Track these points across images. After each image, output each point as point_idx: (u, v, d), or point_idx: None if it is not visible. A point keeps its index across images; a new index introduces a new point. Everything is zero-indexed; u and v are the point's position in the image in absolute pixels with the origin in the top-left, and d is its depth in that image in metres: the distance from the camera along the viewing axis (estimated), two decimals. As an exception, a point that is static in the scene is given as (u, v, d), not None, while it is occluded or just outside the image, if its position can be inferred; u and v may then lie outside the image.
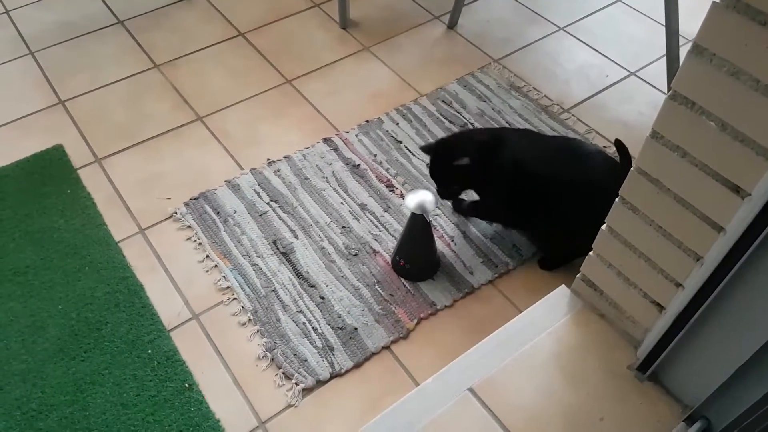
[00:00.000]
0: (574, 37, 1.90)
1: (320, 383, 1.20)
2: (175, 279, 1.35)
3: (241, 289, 1.32)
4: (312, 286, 1.33)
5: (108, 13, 1.98)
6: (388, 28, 1.93)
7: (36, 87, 1.75)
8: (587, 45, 1.87)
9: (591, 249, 1.06)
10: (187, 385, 1.18)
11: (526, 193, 1.24)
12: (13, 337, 1.24)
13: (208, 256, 1.38)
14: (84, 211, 1.45)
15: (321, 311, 1.29)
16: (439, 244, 1.38)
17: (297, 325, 1.27)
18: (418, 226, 1.26)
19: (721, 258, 0.82)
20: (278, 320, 1.27)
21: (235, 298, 1.31)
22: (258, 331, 1.26)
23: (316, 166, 1.55)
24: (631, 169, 0.91)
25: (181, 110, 1.70)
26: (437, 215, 1.45)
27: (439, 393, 1.05)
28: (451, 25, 1.93)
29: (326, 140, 1.61)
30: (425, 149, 1.31)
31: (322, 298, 1.31)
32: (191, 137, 1.63)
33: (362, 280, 1.33)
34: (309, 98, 1.73)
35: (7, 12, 1.98)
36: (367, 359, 1.23)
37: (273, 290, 1.32)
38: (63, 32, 1.91)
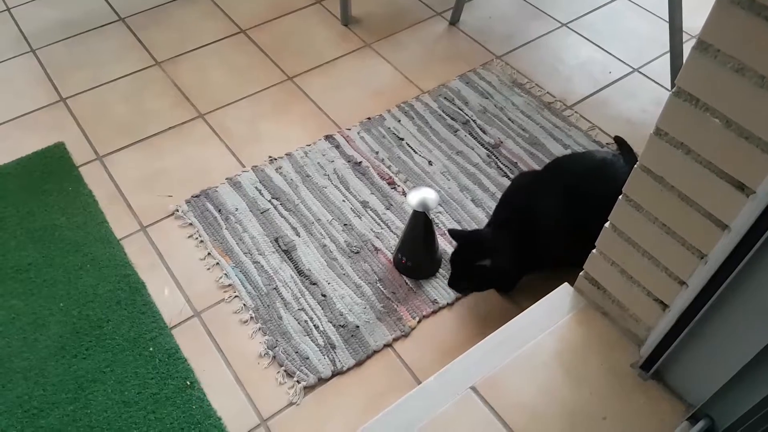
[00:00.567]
0: (577, 33, 1.89)
1: (322, 381, 1.20)
2: (177, 277, 1.34)
3: (243, 286, 1.32)
4: (314, 284, 1.32)
5: (109, 11, 1.97)
6: (389, 24, 1.92)
7: (37, 84, 1.75)
8: (590, 41, 1.86)
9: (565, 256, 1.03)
10: (188, 382, 1.18)
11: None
12: (14, 335, 1.24)
13: (209, 254, 1.38)
14: (85, 208, 1.45)
15: (323, 309, 1.28)
16: (441, 242, 1.38)
17: (299, 323, 1.26)
18: (420, 223, 1.26)
19: (726, 256, 0.81)
20: (280, 318, 1.27)
21: (236, 296, 1.31)
22: (259, 328, 1.26)
23: (318, 163, 1.54)
24: (635, 166, 0.90)
25: (182, 107, 1.69)
26: (439, 213, 1.44)
27: (441, 391, 1.04)
28: (453, 22, 1.92)
29: (328, 137, 1.60)
30: (454, 236, 1.25)
31: (324, 295, 1.30)
32: (192, 134, 1.63)
33: (364, 278, 1.33)
34: (310, 95, 1.72)
35: (8, 9, 1.97)
36: (368, 357, 1.23)
37: (274, 288, 1.32)
38: (64, 29, 1.90)
